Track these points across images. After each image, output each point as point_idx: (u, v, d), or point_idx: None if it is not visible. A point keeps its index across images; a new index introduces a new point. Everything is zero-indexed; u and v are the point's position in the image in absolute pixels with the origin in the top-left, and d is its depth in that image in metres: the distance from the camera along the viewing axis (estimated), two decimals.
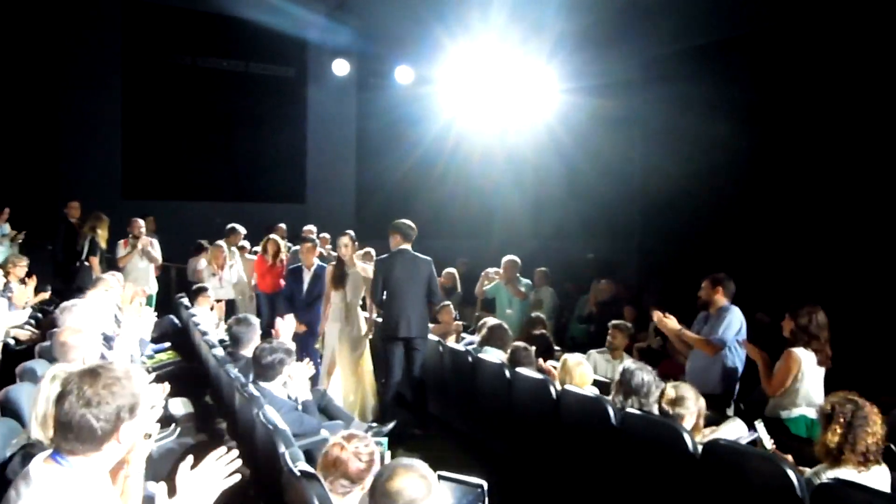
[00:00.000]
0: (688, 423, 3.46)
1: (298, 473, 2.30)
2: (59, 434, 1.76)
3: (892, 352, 6.80)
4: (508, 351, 5.15)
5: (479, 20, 11.03)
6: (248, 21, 11.96)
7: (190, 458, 1.96)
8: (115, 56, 11.89)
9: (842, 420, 2.87)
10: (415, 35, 12.16)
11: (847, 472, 2.84)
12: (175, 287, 9.72)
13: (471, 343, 6.07)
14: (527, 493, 4.49)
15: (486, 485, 2.29)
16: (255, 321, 4.88)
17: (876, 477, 2.91)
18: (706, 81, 10.38)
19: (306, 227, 9.81)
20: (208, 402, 5.32)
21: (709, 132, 10.21)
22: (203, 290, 7.53)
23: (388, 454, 2.65)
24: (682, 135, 11.00)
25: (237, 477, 1.95)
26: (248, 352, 4.67)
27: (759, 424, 3.51)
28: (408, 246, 5.87)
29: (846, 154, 8.78)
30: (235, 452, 1.97)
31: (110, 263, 8.60)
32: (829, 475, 2.87)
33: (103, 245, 8.21)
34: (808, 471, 3.07)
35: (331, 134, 13.58)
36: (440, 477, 2.20)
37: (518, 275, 7.67)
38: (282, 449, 2.61)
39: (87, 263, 8.05)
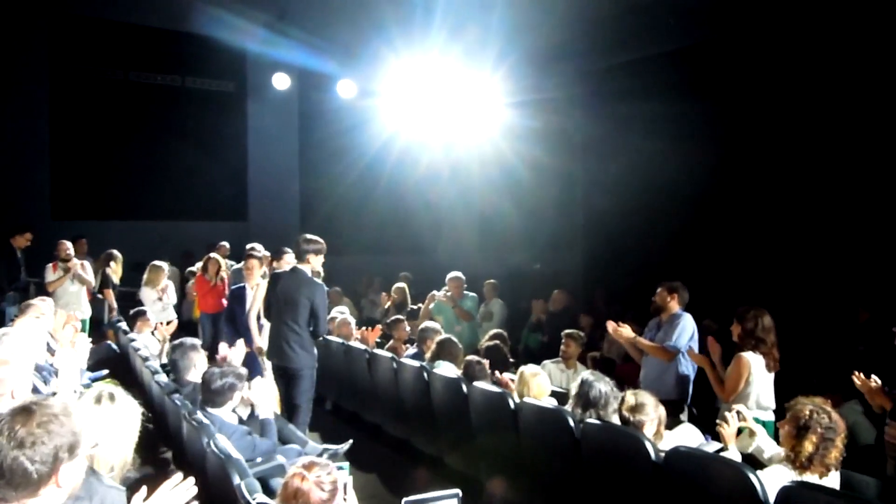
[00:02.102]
0: (648, 430, 3.47)
1: None
2: None
3: (835, 351, 7.06)
4: (461, 365, 5.10)
5: (422, 33, 11.03)
6: (184, 34, 11.65)
7: (143, 489, 1.83)
8: (42, 70, 11.34)
9: (819, 431, 2.92)
10: (357, 48, 12.08)
11: (809, 478, 2.89)
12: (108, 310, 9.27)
13: (415, 355, 5.97)
14: None
15: (460, 493, 2.22)
16: (193, 343, 4.66)
17: (830, 482, 2.99)
18: (644, 96, 10.68)
19: (250, 245, 9.55)
20: (150, 429, 5.04)
21: (649, 145, 10.50)
22: (141, 313, 7.21)
23: (350, 478, 2.54)
24: (623, 148, 11.29)
25: None
26: (191, 376, 4.47)
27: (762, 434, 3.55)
28: (302, 265, 5.31)
29: (784, 160, 9.12)
30: (191, 480, 1.85)
31: (39, 289, 8.17)
32: (787, 478, 2.91)
33: (116, 280, 8.56)
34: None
35: (272, 149, 13.31)
36: (407, 502, 2.10)
37: (464, 290, 7.65)
38: (237, 480, 2.46)
39: (100, 296, 8.35)
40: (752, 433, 3.53)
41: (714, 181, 10.05)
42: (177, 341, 4.74)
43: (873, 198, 8.19)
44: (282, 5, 11.31)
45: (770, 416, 4.25)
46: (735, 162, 9.81)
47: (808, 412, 3.02)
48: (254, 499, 2.27)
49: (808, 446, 2.93)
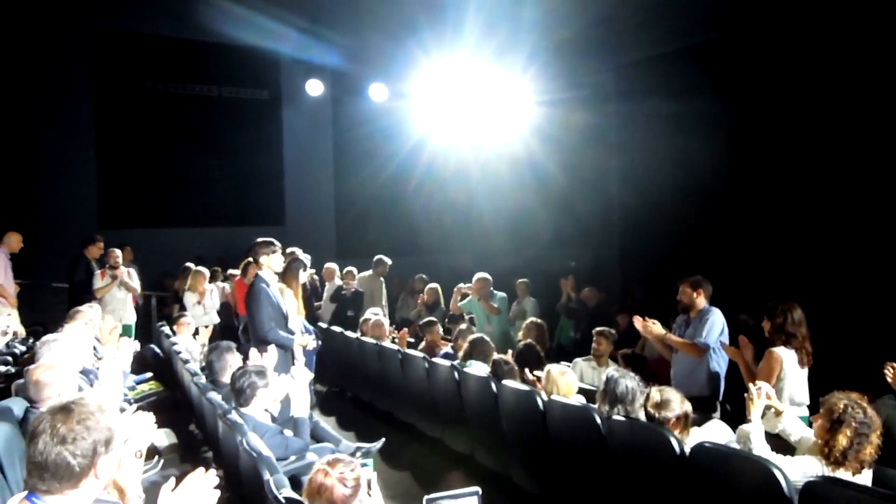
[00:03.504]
0: (674, 427, 3.47)
1: (283, 501, 2.26)
2: (34, 475, 1.72)
3: (869, 348, 6.88)
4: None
5: (453, 35, 11.12)
6: (219, 45, 11.98)
7: (171, 481, 1.94)
8: (87, 85, 11.82)
9: (853, 425, 2.89)
10: (388, 51, 12.23)
11: (842, 475, 2.86)
12: (156, 316, 9.60)
13: (447, 354, 6.04)
14: None
15: (480, 490, 2.28)
16: (228, 346, 4.82)
17: (863, 479, 2.95)
18: (678, 92, 10.53)
19: (290, 250, 9.77)
20: (193, 431, 5.24)
21: (681, 141, 10.36)
22: (181, 317, 7.45)
23: (374, 475, 2.62)
24: (655, 144, 11.15)
25: (217, 494, 1.94)
26: (227, 378, 4.62)
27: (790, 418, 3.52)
28: (260, 271, 5.34)
29: (820, 156, 8.91)
30: (214, 471, 1.96)
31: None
32: (817, 472, 2.89)
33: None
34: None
35: (307, 154, 13.58)
36: (428, 500, 2.16)
37: (491, 289, 7.67)
38: (266, 476, 2.57)
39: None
40: (777, 413, 3.49)
41: (749, 176, 9.87)
42: (213, 343, 4.90)
43: None
44: (314, 12, 11.52)
45: (804, 412, 4.18)
46: (771, 156, 9.61)
47: (842, 406, 2.99)
48: (281, 494, 2.37)
49: (842, 440, 2.89)
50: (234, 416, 3.43)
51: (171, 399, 5.47)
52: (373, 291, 9.07)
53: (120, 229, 11.42)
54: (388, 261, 9.31)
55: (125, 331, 7.77)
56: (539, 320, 6.49)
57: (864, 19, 8.10)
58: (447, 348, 6.48)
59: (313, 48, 12.14)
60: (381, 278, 9.25)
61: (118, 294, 7.99)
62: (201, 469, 1.94)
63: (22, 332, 7.24)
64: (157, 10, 10.90)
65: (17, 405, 3.28)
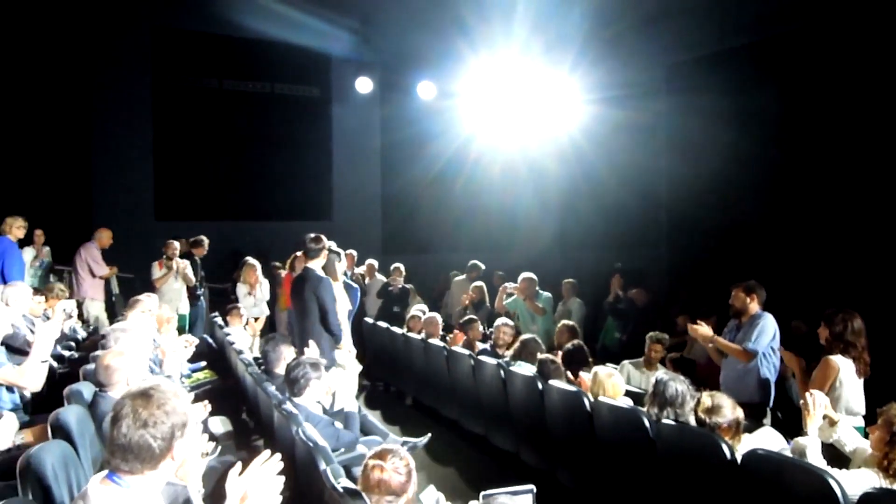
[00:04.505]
0: (725, 433, 3.44)
1: (342, 490, 2.34)
2: (117, 456, 1.83)
3: None
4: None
5: (501, 33, 11.10)
6: (272, 42, 12.21)
7: (238, 464, 2.02)
8: (146, 81, 12.20)
9: None
10: (436, 50, 12.29)
11: None
12: (208, 306, 9.87)
13: (484, 351, 6.06)
14: None
15: (534, 488, 2.31)
16: (282, 338, 4.95)
17: None
18: (731, 89, 10.33)
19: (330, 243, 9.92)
20: (245, 419, 5.40)
21: (733, 139, 10.15)
22: (234, 308, 7.67)
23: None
24: (707, 143, 10.94)
25: (282, 479, 2.00)
26: (280, 369, 4.75)
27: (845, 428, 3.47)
28: (310, 263, 5.42)
29: (875, 158, 8.64)
30: (278, 455, 2.02)
31: (145, 285, 8.80)
32: (874, 484, 2.83)
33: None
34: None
35: (356, 151, 13.75)
36: (485, 497, 2.20)
37: (537, 289, 7.65)
38: (322, 466, 2.66)
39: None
40: (832, 422, 3.43)
41: (803, 178, 9.62)
42: (270, 335, 5.04)
43: None
44: (365, 12, 11.66)
45: (860, 422, 4.09)
46: (825, 156, 9.35)
47: None
48: (339, 483, 2.44)
49: None
50: (289, 406, 3.54)
51: (224, 388, 5.64)
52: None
53: (174, 221, 11.79)
54: (482, 266, 9.38)
55: (180, 320, 8.06)
56: (571, 322, 6.45)
57: None
58: (485, 345, 6.51)
59: (363, 48, 12.29)
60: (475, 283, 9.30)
61: (174, 285, 8.25)
62: (266, 452, 2.02)
63: (105, 321, 7.63)
64: (214, 9, 11.15)
65: (86, 389, 3.45)
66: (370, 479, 2.42)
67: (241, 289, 8.79)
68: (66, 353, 5.82)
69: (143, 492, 1.84)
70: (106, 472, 1.88)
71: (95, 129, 11.86)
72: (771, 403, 4.82)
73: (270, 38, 12.02)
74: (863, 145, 8.83)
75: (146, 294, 7.14)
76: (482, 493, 2.24)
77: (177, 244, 8.41)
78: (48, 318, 5.67)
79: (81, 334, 6.89)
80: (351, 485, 2.41)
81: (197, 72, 12.60)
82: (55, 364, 5.31)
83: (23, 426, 3.51)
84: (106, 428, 3.09)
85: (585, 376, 4.97)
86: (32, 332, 4.70)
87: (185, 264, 8.39)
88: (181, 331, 7.47)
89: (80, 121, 11.71)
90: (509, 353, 5.55)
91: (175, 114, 12.41)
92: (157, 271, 8.28)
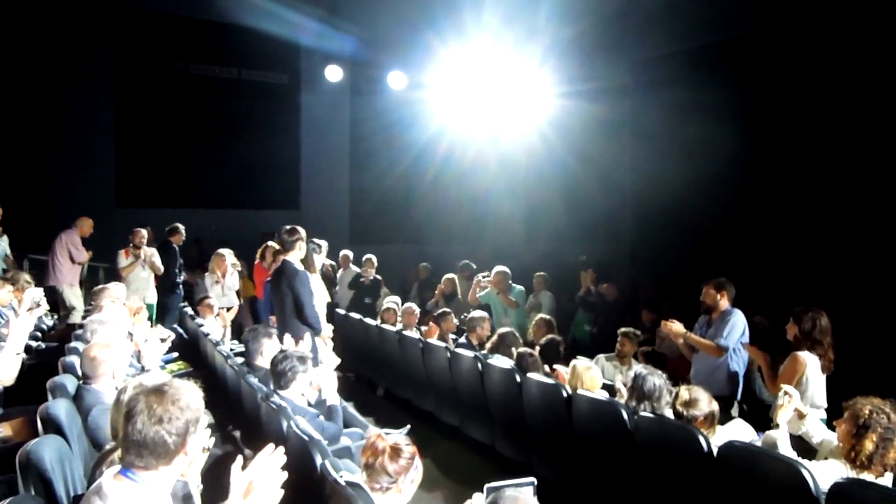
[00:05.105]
0: (701, 425, 3.58)
1: (344, 484, 2.37)
2: (131, 452, 1.83)
3: (887, 354, 6.98)
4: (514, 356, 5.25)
5: (472, 25, 11.15)
6: (241, 27, 12.00)
7: (240, 459, 2.04)
8: (108, 64, 11.87)
9: (879, 430, 2.98)
10: (407, 40, 12.27)
11: (866, 477, 2.97)
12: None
13: (462, 344, 6.13)
14: (541, 497, 4.58)
15: (535, 481, 2.36)
16: (266, 330, 4.92)
17: (884, 481, 3.06)
18: (697, 85, 10.58)
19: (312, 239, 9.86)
20: (222, 411, 5.36)
21: (700, 135, 10.40)
22: (205, 299, 7.57)
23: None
24: (674, 138, 11.20)
25: (285, 474, 2.02)
26: (261, 361, 4.73)
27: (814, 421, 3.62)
28: (287, 256, 5.38)
29: (842, 156, 8.96)
30: (282, 449, 2.04)
31: (109, 273, 8.63)
32: (842, 474, 2.99)
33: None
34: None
35: (324, 140, 13.64)
36: (489, 490, 2.26)
37: (510, 283, 7.75)
38: (320, 460, 2.68)
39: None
40: (801, 415, 3.59)
41: (765, 173, 9.93)
42: (252, 326, 5.00)
43: None
44: (333, 1, 11.56)
45: (823, 415, 4.29)
46: (788, 154, 9.68)
47: (868, 412, 3.06)
48: (340, 476, 2.47)
49: (868, 445, 2.98)
50: (277, 399, 3.54)
51: (199, 379, 5.57)
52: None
53: (137, 208, 11.53)
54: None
55: (147, 310, 7.92)
56: (548, 317, 6.57)
57: (884, 14, 8.12)
58: (461, 339, 6.57)
59: (332, 37, 12.18)
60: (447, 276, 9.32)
61: (142, 273, 8.10)
62: (270, 446, 2.04)
63: (81, 309, 7.48)
64: None
65: (69, 382, 3.40)
66: (374, 461, 2.44)
67: (209, 279, 8.67)
68: (34, 344, 5.68)
69: (157, 487, 1.85)
70: (118, 467, 1.88)
71: (56, 113, 11.52)
72: (739, 396, 5.01)
73: (239, 23, 11.81)
74: (826, 143, 9.15)
75: (113, 283, 7.03)
76: (486, 485, 2.30)
77: (144, 232, 8.24)
78: (14, 309, 5.52)
79: (47, 324, 6.73)
80: (353, 478, 2.45)
81: (162, 55, 12.30)
82: (24, 355, 5.17)
83: None
84: (92, 421, 3.07)
85: (561, 369, 5.10)
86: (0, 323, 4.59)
87: (153, 252, 8.23)
88: (150, 321, 7.34)
89: (40, 105, 11.34)
90: (488, 346, 5.63)
91: (139, 98, 12.12)
92: (123, 260, 8.11)
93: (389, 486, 2.45)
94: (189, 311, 7.58)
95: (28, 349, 5.58)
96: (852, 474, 3.03)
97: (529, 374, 4.74)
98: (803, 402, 4.21)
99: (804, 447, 3.64)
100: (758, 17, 9.81)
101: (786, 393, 3.53)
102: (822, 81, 9.10)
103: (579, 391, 4.32)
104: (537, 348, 5.36)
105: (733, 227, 10.31)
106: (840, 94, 8.87)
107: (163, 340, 4.80)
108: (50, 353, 5.28)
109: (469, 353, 5.50)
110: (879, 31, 8.24)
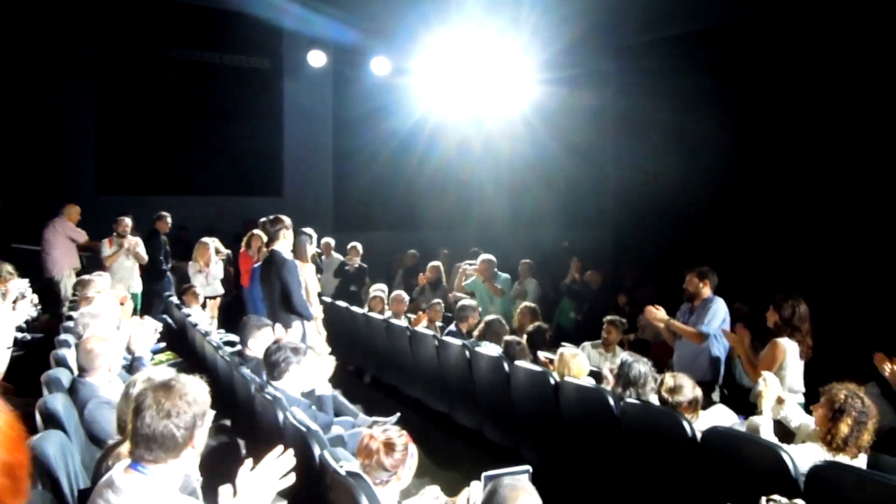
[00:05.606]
0: (685, 410, 3.69)
1: (345, 474, 2.43)
2: (140, 446, 1.87)
3: (859, 336, 7.17)
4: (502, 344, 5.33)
5: (456, 11, 11.10)
6: (222, 11, 11.83)
7: (249, 461, 2.09)
8: (86, 47, 11.64)
9: (853, 414, 3.11)
10: (392, 26, 12.18)
11: (842, 459, 3.10)
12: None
13: (451, 332, 6.21)
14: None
15: (531, 469, 2.44)
16: (259, 320, 4.95)
17: (859, 463, 3.20)
18: (679, 73, 10.67)
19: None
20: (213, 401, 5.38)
21: (683, 123, 10.53)
22: (190, 288, 7.55)
23: None
24: (657, 126, 11.32)
25: (293, 477, 2.08)
26: (252, 352, 4.77)
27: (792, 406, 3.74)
28: (275, 245, 5.38)
29: (823, 145, 9.11)
30: (291, 451, 2.09)
31: (92, 262, 8.55)
32: (820, 457, 3.12)
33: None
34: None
35: (307, 126, 13.54)
36: (487, 478, 2.33)
37: (496, 271, 7.82)
38: (318, 451, 2.74)
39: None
40: (780, 400, 3.73)
41: (748, 161, 10.08)
42: (245, 317, 5.03)
43: None
44: None
45: (801, 400, 4.43)
46: (769, 142, 9.82)
47: (843, 396, 3.19)
48: (341, 466, 2.53)
49: (844, 429, 3.11)
50: (272, 390, 3.59)
51: (187, 369, 5.59)
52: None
53: (117, 196, 11.40)
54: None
55: (132, 299, 7.88)
56: (533, 304, 6.65)
57: (866, 3, 8.25)
58: (451, 326, 6.64)
59: (315, 20, 12.04)
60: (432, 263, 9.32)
61: (126, 262, 8.05)
62: (279, 447, 2.09)
63: (68, 295, 7.46)
64: None
65: (63, 376, 3.41)
66: (368, 453, 2.53)
67: (192, 267, 8.64)
68: (20, 336, 5.64)
69: (167, 480, 1.90)
70: (128, 461, 1.93)
71: (32, 100, 11.27)
72: (720, 381, 5.15)
73: (221, 7, 11.65)
74: (807, 132, 9.30)
75: (97, 273, 6.99)
76: (483, 474, 2.37)
77: (128, 220, 8.19)
78: None
79: (31, 314, 6.66)
80: (352, 468, 2.51)
81: (142, 39, 12.08)
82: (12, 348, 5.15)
83: None
84: (89, 415, 3.10)
85: (547, 356, 5.21)
86: None
87: (137, 241, 8.18)
88: (135, 311, 7.32)
89: (16, 90, 11.08)
90: (475, 333, 5.71)
91: (118, 83, 11.91)
92: (106, 249, 8.05)
93: (388, 479, 2.54)
94: (174, 299, 7.55)
95: (14, 341, 5.56)
96: (829, 457, 3.16)
97: (517, 362, 4.83)
98: (783, 387, 4.35)
99: (783, 430, 3.78)
100: (741, 4, 9.90)
101: (765, 379, 3.65)
102: (804, 71, 9.23)
103: (566, 378, 4.42)
104: (524, 336, 5.44)
105: (716, 214, 10.47)
106: (822, 84, 9.01)
107: (154, 331, 4.80)
108: (37, 345, 5.26)
109: (457, 342, 5.58)
110: (861, 19, 8.36)
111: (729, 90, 10.10)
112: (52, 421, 2.75)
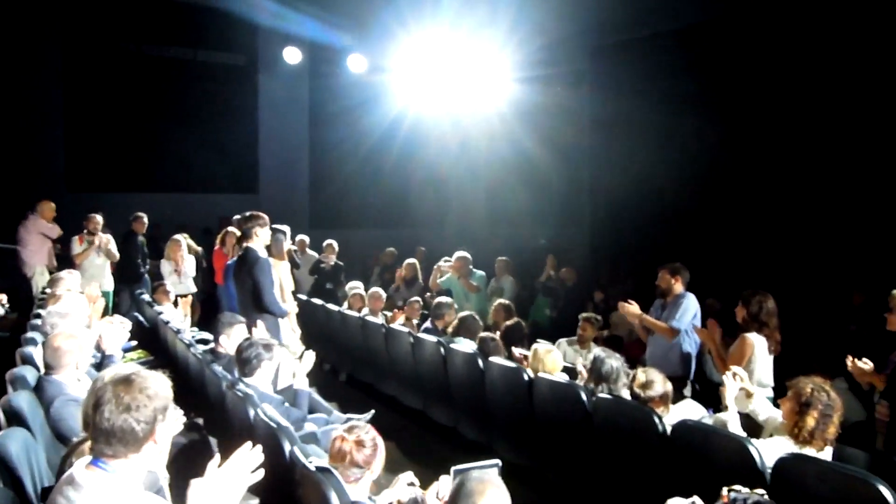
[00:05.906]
0: (656, 405, 3.74)
1: (314, 469, 2.43)
2: (101, 441, 1.84)
3: (827, 331, 7.32)
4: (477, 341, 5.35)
5: (432, 9, 11.09)
6: (196, 6, 11.69)
7: (217, 457, 2.06)
8: (56, 43, 11.44)
9: (819, 408, 3.16)
10: (367, 23, 12.13)
11: (809, 451, 3.15)
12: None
13: (429, 329, 6.21)
14: (504, 478, 4.70)
15: (500, 462, 2.45)
16: (231, 318, 4.90)
17: (825, 455, 3.26)
18: (654, 72, 10.77)
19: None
20: (185, 399, 5.32)
21: (657, 122, 10.63)
22: (161, 286, 7.47)
23: None
24: (631, 124, 11.42)
25: (261, 473, 2.06)
26: (224, 349, 4.71)
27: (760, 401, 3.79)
28: (249, 242, 5.25)
29: (794, 143, 9.24)
30: (259, 447, 2.07)
31: (61, 260, 8.40)
32: (787, 450, 3.17)
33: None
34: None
35: (283, 123, 13.45)
36: (456, 472, 2.34)
37: (471, 268, 7.83)
38: (288, 447, 2.73)
39: None
40: (748, 394, 3.78)
41: (720, 161, 10.21)
42: (218, 315, 4.98)
43: (871, 184, 8.37)
44: None
45: (769, 393, 4.50)
46: (742, 142, 9.95)
47: (809, 390, 3.25)
48: (310, 462, 2.52)
49: (810, 422, 3.16)
50: (243, 387, 3.56)
51: (160, 368, 5.52)
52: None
53: (88, 193, 11.22)
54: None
55: (104, 298, 7.76)
56: (507, 302, 6.69)
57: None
58: (427, 323, 6.65)
59: (291, 17, 11.95)
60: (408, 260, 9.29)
61: (96, 260, 7.92)
62: (248, 444, 2.06)
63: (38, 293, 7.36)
64: None
65: (29, 374, 3.35)
66: (337, 450, 2.56)
67: (166, 266, 8.53)
68: None
69: (128, 476, 1.87)
70: (90, 458, 1.89)
71: (1, 94, 11.03)
72: (692, 376, 5.22)
73: (194, 2, 11.51)
74: (781, 131, 9.43)
75: (67, 271, 6.87)
76: (452, 468, 2.38)
77: (99, 218, 8.05)
78: None
79: None
80: (322, 463, 2.51)
81: (113, 34, 11.89)
82: None
83: None
84: (55, 412, 3.05)
85: (521, 352, 5.23)
86: None
87: (108, 239, 8.05)
88: (107, 310, 7.21)
89: None
90: (449, 330, 5.71)
91: (89, 79, 11.71)
92: (77, 246, 7.92)
93: (362, 475, 2.56)
94: (146, 297, 7.45)
95: None
96: (796, 449, 3.22)
97: (492, 358, 4.85)
98: (751, 381, 4.42)
99: (751, 424, 3.84)
100: (717, 4, 10.01)
101: (734, 374, 3.71)
102: (779, 70, 9.34)
103: (540, 374, 4.45)
104: (498, 332, 5.46)
105: (691, 211, 10.58)
106: (796, 83, 9.12)
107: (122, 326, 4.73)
108: (3, 343, 5.16)
109: (432, 338, 5.58)
110: (838, 17, 8.46)
111: (705, 89, 10.20)
112: (16, 419, 2.69)
